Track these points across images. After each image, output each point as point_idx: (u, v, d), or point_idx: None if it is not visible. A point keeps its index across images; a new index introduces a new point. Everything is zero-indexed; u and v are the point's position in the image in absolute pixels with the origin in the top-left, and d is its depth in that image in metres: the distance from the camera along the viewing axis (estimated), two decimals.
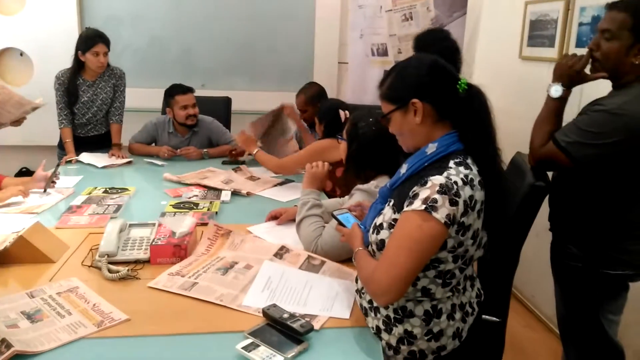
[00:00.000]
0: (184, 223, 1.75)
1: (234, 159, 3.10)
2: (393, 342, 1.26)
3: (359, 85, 3.76)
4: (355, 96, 3.70)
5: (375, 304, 1.29)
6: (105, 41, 2.99)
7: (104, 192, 2.39)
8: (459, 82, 1.25)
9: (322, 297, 1.43)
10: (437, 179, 1.17)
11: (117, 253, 1.63)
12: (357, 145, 1.79)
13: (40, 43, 3.93)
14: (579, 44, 2.47)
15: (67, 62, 3.08)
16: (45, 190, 2.29)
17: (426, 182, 1.18)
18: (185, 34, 4.16)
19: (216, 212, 2.14)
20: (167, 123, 3.24)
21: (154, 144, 3.28)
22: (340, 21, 4.16)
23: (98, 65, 2.99)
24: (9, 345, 1.12)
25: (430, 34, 2.55)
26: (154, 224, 1.82)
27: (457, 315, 1.29)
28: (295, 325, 1.21)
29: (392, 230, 1.22)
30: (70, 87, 3.03)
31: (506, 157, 1.37)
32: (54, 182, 2.34)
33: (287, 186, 2.62)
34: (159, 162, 2.99)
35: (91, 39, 2.96)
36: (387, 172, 1.73)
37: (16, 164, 4.15)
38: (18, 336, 1.18)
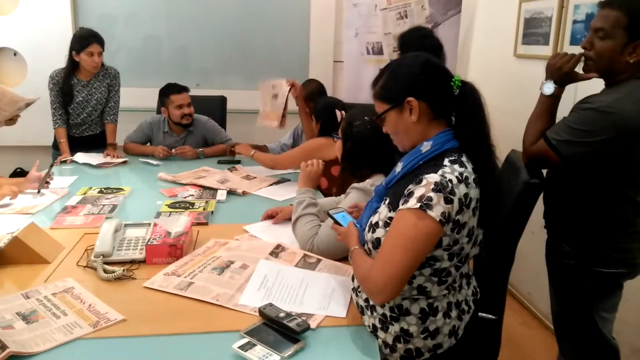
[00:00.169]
0: (179, 222, 1.75)
1: (233, 155, 3.10)
2: (389, 340, 1.26)
3: (354, 83, 3.76)
4: (350, 95, 3.70)
5: (371, 303, 1.29)
6: (100, 41, 2.98)
7: (99, 192, 2.38)
8: (453, 80, 1.26)
9: (318, 295, 1.43)
10: (432, 177, 1.17)
11: (112, 253, 1.62)
12: (352, 144, 1.79)
13: (34, 43, 3.91)
14: (573, 42, 2.48)
15: (61, 62, 3.06)
16: (39, 191, 2.28)
17: (421, 181, 1.18)
18: (180, 33, 4.14)
19: (212, 212, 2.14)
20: (162, 122, 3.24)
21: (149, 144, 3.27)
22: (335, 20, 4.15)
23: (92, 65, 2.98)
24: (4, 346, 1.12)
25: (413, 32, 2.57)
26: (149, 224, 1.82)
27: (453, 313, 1.29)
28: (292, 324, 1.21)
29: (387, 228, 1.22)
30: (64, 87, 3.02)
31: (501, 155, 1.38)
32: (48, 182, 2.33)
33: (282, 185, 2.61)
34: (154, 162, 2.98)
35: (85, 39, 2.95)
36: (383, 171, 1.73)
37: (11, 165, 4.13)
38: (13, 337, 1.18)
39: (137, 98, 3.75)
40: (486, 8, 3.57)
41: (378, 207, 1.32)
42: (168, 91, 3.11)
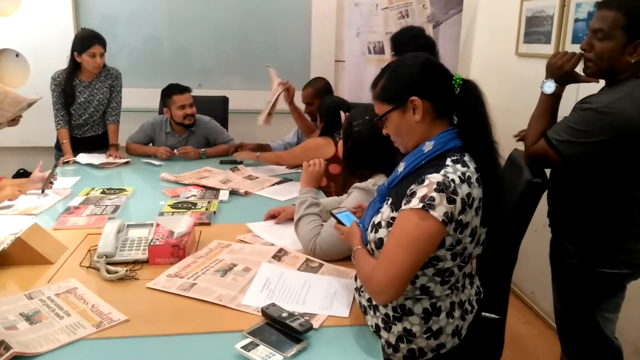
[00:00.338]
0: (182, 223, 1.75)
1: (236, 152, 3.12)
2: (392, 340, 1.26)
3: (355, 83, 3.76)
4: (352, 94, 3.70)
5: (374, 302, 1.29)
6: (102, 42, 2.98)
7: (101, 192, 2.38)
8: (454, 78, 1.26)
9: (321, 295, 1.43)
10: (435, 177, 1.17)
11: (115, 254, 1.63)
12: (352, 143, 1.79)
13: (36, 44, 3.91)
14: (575, 40, 2.48)
15: (63, 63, 3.07)
16: (43, 192, 2.28)
17: (423, 181, 1.18)
18: (182, 33, 4.15)
19: (214, 212, 2.14)
20: (164, 123, 3.24)
21: (151, 144, 3.27)
22: (337, 19, 4.15)
23: (94, 66, 2.99)
24: (7, 347, 1.12)
25: (405, 32, 2.58)
26: (152, 224, 1.82)
27: (457, 313, 1.29)
28: (295, 324, 1.21)
29: (390, 228, 1.22)
30: (66, 88, 3.02)
31: (503, 153, 1.37)
32: (51, 183, 2.33)
33: (284, 185, 2.62)
34: (157, 162, 2.98)
35: (87, 40, 2.95)
36: (384, 171, 1.73)
37: (14, 166, 4.14)
38: (17, 338, 1.18)
39: (139, 98, 3.76)
40: (488, 7, 3.56)
41: (380, 207, 1.32)
42: (170, 91, 3.11)
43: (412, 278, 1.20)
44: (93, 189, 2.43)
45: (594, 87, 1.65)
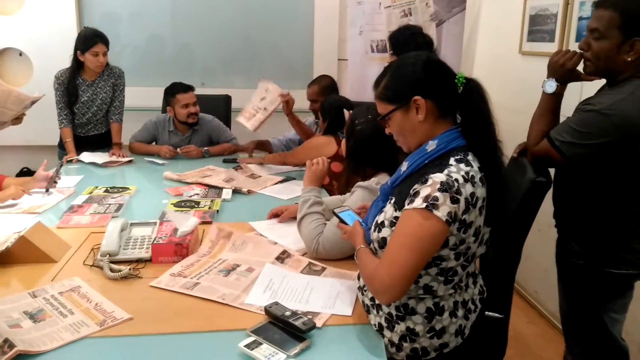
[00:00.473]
0: (188, 223, 1.74)
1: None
2: (395, 339, 1.26)
3: (358, 82, 3.75)
4: (355, 93, 3.69)
5: (377, 301, 1.28)
6: (105, 41, 2.99)
7: (105, 191, 2.39)
8: (457, 77, 1.25)
9: (324, 295, 1.43)
10: (438, 177, 1.16)
11: (118, 252, 1.63)
12: (355, 142, 1.79)
13: (39, 42, 3.92)
14: (579, 39, 2.45)
15: (66, 62, 3.07)
16: (47, 190, 2.29)
17: (427, 180, 1.17)
18: (185, 32, 4.15)
19: (217, 211, 2.14)
20: (168, 122, 3.24)
21: (154, 143, 3.28)
22: (340, 17, 4.15)
23: (97, 65, 2.99)
24: (11, 345, 1.12)
25: (403, 31, 2.58)
26: (155, 223, 1.82)
27: (460, 313, 1.29)
28: (298, 323, 1.21)
29: (393, 228, 1.22)
30: (69, 86, 3.03)
31: (507, 152, 1.37)
32: (55, 181, 2.34)
33: (288, 184, 2.62)
34: (160, 161, 2.99)
35: (90, 39, 2.95)
36: (386, 170, 1.73)
37: (17, 164, 4.15)
38: (21, 336, 1.19)
39: (142, 97, 3.76)
40: (491, 5, 3.55)
41: (383, 207, 1.32)
42: (174, 90, 3.12)
43: (415, 278, 1.20)
44: (96, 187, 2.44)
45: (598, 87, 1.64)
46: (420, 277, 1.23)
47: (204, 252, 1.69)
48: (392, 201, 1.28)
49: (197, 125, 3.21)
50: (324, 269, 1.61)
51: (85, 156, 2.99)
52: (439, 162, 1.22)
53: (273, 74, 4.25)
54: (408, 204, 1.18)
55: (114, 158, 3.01)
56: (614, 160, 1.50)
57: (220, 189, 2.45)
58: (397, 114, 1.28)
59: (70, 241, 1.77)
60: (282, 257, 1.68)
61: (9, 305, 1.34)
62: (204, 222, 1.99)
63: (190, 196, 2.35)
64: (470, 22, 3.64)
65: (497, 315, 1.49)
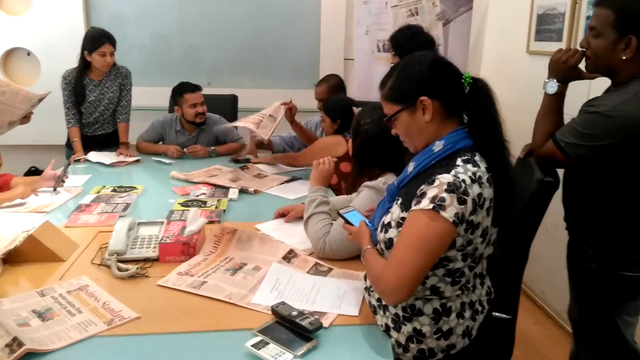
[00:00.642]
0: (198, 222, 1.74)
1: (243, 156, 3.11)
2: (402, 340, 1.26)
3: (365, 81, 3.75)
4: (361, 92, 3.69)
5: (383, 302, 1.28)
6: (112, 41, 3.00)
7: (112, 190, 2.40)
8: (464, 77, 1.25)
9: (330, 295, 1.43)
10: (445, 178, 1.16)
11: (126, 251, 1.64)
12: (360, 142, 1.79)
13: (47, 42, 3.95)
14: None
15: (73, 61, 3.09)
16: (55, 190, 2.30)
17: (434, 181, 1.17)
18: (191, 32, 4.16)
19: (224, 210, 2.15)
20: (175, 121, 3.25)
21: (161, 142, 3.29)
22: (346, 17, 4.15)
23: (104, 64, 3.01)
24: (20, 344, 1.13)
25: (404, 31, 2.57)
26: (162, 222, 1.83)
27: (467, 314, 1.28)
28: (304, 323, 1.21)
29: (400, 229, 1.21)
30: (77, 86, 3.04)
31: (514, 152, 1.37)
32: (63, 181, 2.35)
33: (294, 183, 2.62)
34: (167, 161, 3.00)
35: (97, 39, 2.97)
36: (392, 170, 1.73)
37: (25, 164, 4.18)
38: (30, 334, 1.20)
39: (148, 97, 3.78)
40: (498, 4, 3.54)
41: (390, 207, 1.31)
42: (182, 90, 3.13)
43: (422, 279, 1.20)
44: (104, 187, 2.45)
45: (605, 87, 1.63)
46: (427, 278, 1.22)
47: (209, 249, 1.70)
48: (399, 202, 1.28)
49: (204, 125, 3.22)
50: (330, 269, 1.61)
51: (93, 155, 3.01)
52: (445, 162, 1.22)
53: (279, 73, 4.28)
54: (415, 205, 1.18)
55: (121, 158, 3.03)
56: (620, 161, 1.49)
57: (227, 188, 2.46)
58: (404, 115, 1.28)
59: (78, 240, 1.78)
60: (289, 256, 1.68)
61: (18, 304, 1.35)
62: (210, 222, 1.99)
63: (197, 196, 2.35)
64: (477, 21, 3.63)
65: (504, 316, 1.49)
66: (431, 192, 1.16)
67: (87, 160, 2.97)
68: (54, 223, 1.78)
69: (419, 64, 1.28)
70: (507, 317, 1.49)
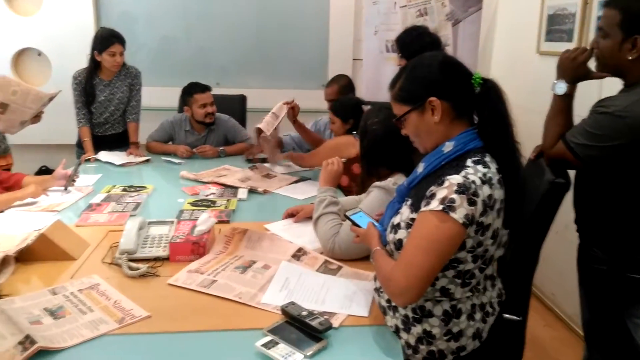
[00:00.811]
0: (205, 222, 1.75)
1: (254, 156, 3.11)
2: (412, 341, 1.26)
3: (373, 81, 3.74)
4: (370, 93, 3.68)
5: (393, 303, 1.28)
6: (121, 41, 3.02)
7: (122, 190, 2.41)
8: (474, 77, 1.24)
9: (340, 295, 1.43)
10: (455, 179, 1.16)
11: (136, 250, 1.65)
12: (368, 142, 1.78)
13: (57, 42, 3.98)
14: None
15: (84, 61, 3.12)
16: (65, 189, 2.32)
17: (443, 182, 1.17)
18: (200, 32, 4.18)
19: (233, 210, 2.16)
20: (184, 121, 3.27)
21: (170, 142, 3.30)
22: (355, 17, 4.14)
23: (114, 64, 3.03)
24: (33, 342, 1.14)
25: (410, 32, 2.56)
26: (172, 222, 1.84)
27: (477, 316, 1.28)
28: (314, 323, 1.21)
29: (409, 229, 1.21)
30: (87, 86, 3.07)
31: (525, 153, 1.36)
32: (74, 180, 2.37)
33: (303, 184, 2.62)
34: (177, 161, 3.01)
35: (107, 39, 2.99)
36: (401, 170, 1.72)
37: (36, 163, 4.22)
38: (42, 332, 1.21)
39: (158, 97, 3.79)
40: (508, 4, 3.52)
41: (400, 208, 1.31)
42: (192, 90, 3.14)
43: (432, 280, 1.19)
44: (114, 186, 2.46)
45: (618, 86, 1.61)
46: (437, 279, 1.22)
47: (220, 249, 1.70)
48: (409, 202, 1.28)
49: (213, 125, 3.24)
50: (340, 267, 1.61)
51: (103, 155, 3.03)
52: (455, 163, 1.22)
53: (288, 73, 4.28)
54: (424, 206, 1.17)
55: (131, 157, 3.05)
56: (631, 162, 1.48)
57: (236, 188, 2.46)
58: (413, 115, 1.28)
59: (89, 239, 1.79)
60: (299, 254, 1.68)
61: (30, 302, 1.36)
62: (220, 222, 2.00)
63: (207, 195, 2.36)
64: (486, 21, 3.61)
65: (515, 317, 1.48)
66: (441, 193, 1.15)
67: (97, 160, 3.00)
68: (65, 222, 1.80)
69: (429, 64, 1.27)
70: (518, 318, 1.49)
